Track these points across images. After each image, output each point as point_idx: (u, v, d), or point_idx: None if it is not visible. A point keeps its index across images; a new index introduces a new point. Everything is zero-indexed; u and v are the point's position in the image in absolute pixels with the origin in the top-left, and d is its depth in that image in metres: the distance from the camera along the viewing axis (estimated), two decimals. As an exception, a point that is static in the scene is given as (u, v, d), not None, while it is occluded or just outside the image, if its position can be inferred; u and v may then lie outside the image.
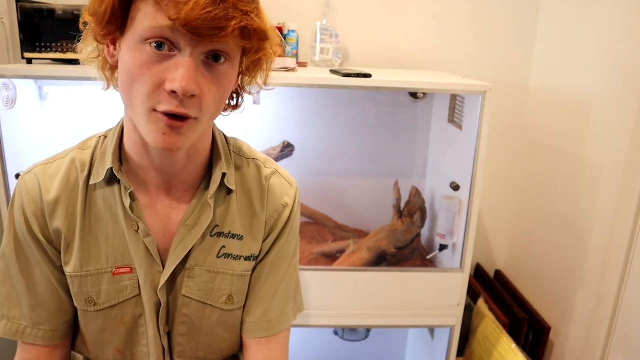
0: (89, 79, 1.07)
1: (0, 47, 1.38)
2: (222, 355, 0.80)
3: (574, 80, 1.47)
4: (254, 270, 0.77)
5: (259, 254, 0.76)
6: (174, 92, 0.56)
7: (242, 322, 0.78)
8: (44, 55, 1.16)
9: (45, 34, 1.14)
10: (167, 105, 0.57)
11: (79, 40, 0.65)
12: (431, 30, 1.63)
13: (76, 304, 0.71)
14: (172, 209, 0.71)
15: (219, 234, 0.73)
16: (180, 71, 0.56)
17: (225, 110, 0.70)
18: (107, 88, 0.68)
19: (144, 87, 0.57)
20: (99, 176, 0.69)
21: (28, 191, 0.68)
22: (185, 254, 0.70)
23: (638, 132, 1.21)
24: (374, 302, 1.32)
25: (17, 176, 1.16)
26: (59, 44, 1.15)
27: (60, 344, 0.73)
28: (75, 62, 1.17)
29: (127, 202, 0.68)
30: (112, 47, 0.63)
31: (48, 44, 1.15)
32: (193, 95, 0.57)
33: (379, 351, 1.84)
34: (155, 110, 0.58)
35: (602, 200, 1.33)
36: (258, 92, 0.73)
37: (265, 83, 0.70)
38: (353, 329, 1.73)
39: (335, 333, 1.75)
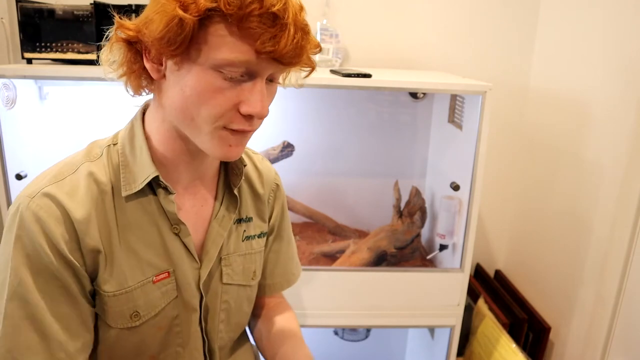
0: (89, 79, 1.08)
1: (0, 47, 1.38)
2: (242, 329, 0.86)
3: (574, 80, 1.47)
4: (267, 244, 0.86)
5: (271, 230, 0.87)
6: (250, 115, 0.60)
7: (269, 285, 0.89)
8: (44, 55, 1.16)
9: (45, 34, 1.14)
10: (241, 125, 0.61)
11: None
12: (431, 30, 1.63)
13: (114, 324, 0.67)
14: (200, 205, 0.74)
15: (239, 220, 0.79)
16: (257, 96, 0.60)
17: None
18: (135, 95, 0.67)
19: (216, 108, 0.60)
20: (131, 187, 0.66)
21: (49, 214, 0.61)
22: (221, 245, 0.74)
23: (638, 132, 1.21)
24: (374, 302, 1.32)
25: (18, 176, 1.16)
26: (59, 44, 1.15)
27: None
28: (75, 62, 1.17)
29: (173, 207, 0.68)
30: (157, 64, 0.62)
31: (48, 44, 1.15)
32: None
33: (379, 351, 1.84)
34: (225, 128, 0.62)
35: (602, 200, 1.33)
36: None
37: (300, 85, 0.76)
38: (353, 329, 1.73)
39: (335, 333, 1.75)
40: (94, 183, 0.65)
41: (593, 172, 1.37)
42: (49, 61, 1.18)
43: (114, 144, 0.69)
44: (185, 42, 0.57)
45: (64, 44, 1.15)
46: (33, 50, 1.15)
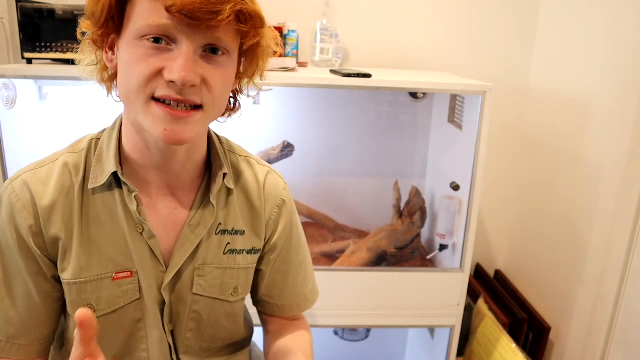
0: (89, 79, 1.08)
1: (0, 47, 1.38)
2: (223, 343, 0.82)
3: (574, 80, 1.47)
4: (269, 263, 0.81)
5: (274, 248, 0.80)
6: (172, 82, 0.57)
7: (279, 306, 0.84)
8: (44, 55, 1.16)
9: (45, 34, 1.14)
10: (165, 90, 0.58)
11: (77, 51, 0.67)
12: (431, 30, 1.63)
13: (71, 312, 0.69)
14: (174, 208, 0.71)
15: (223, 232, 0.74)
16: (179, 62, 0.56)
17: (223, 114, 0.71)
18: (108, 94, 0.69)
19: (140, 76, 0.57)
20: (97, 180, 0.67)
21: (19, 199, 0.65)
22: (190, 252, 0.71)
23: (638, 132, 1.21)
24: (374, 302, 1.32)
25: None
26: (59, 44, 1.15)
27: (37, 358, 0.70)
28: (75, 62, 1.16)
29: (133, 205, 0.67)
30: (110, 53, 0.63)
31: (48, 44, 1.15)
32: (193, 86, 0.58)
33: (379, 351, 1.84)
34: (154, 99, 0.58)
35: (602, 200, 1.33)
36: (257, 94, 0.74)
37: (261, 76, 0.71)
38: (353, 329, 1.73)
39: (335, 333, 1.75)
40: (67, 174, 0.67)
41: (593, 172, 1.37)
42: (49, 61, 1.19)
43: (98, 139, 0.71)
44: (105, 15, 0.58)
45: (64, 44, 1.15)
46: (33, 50, 1.15)
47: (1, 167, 1.11)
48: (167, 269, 0.70)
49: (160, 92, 0.58)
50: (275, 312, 0.85)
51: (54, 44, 1.15)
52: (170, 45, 0.57)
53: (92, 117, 1.41)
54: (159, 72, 0.57)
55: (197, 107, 0.60)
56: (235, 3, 0.57)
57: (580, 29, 1.44)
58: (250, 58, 0.66)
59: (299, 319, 0.88)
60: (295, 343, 0.80)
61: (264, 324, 0.88)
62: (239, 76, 0.68)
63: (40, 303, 0.68)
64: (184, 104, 0.59)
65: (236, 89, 0.72)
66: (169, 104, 0.58)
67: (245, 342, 0.87)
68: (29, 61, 1.17)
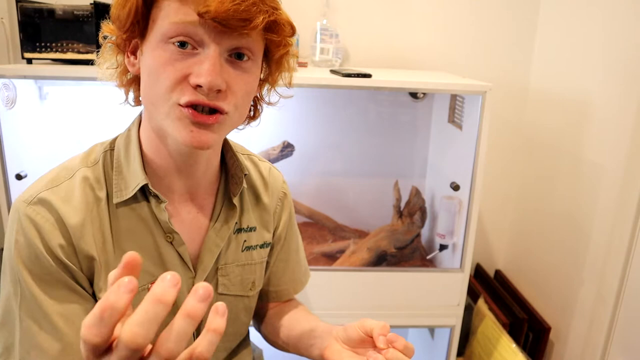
0: (89, 79, 1.08)
1: (0, 47, 1.38)
2: (240, 339, 0.83)
3: (574, 80, 1.47)
4: (274, 253, 0.84)
5: (278, 240, 0.84)
6: (199, 86, 0.56)
7: (276, 292, 0.87)
8: (44, 55, 1.16)
9: (45, 34, 1.14)
10: (191, 96, 0.56)
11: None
12: (431, 30, 1.63)
13: None
14: (196, 213, 0.71)
15: (240, 230, 0.76)
16: (205, 65, 0.56)
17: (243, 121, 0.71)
18: (126, 100, 0.68)
19: (166, 82, 0.57)
20: (122, 194, 0.65)
21: (46, 219, 0.61)
22: (217, 255, 0.72)
23: (638, 132, 1.21)
24: (374, 302, 1.32)
25: (18, 176, 1.16)
26: (59, 44, 1.15)
27: None
28: (75, 62, 1.17)
29: (164, 215, 0.66)
30: (132, 57, 0.63)
31: (48, 44, 1.15)
32: (219, 91, 0.57)
33: (379, 351, 1.84)
34: (179, 105, 0.57)
35: (602, 200, 1.33)
36: (277, 102, 0.73)
37: (289, 84, 0.70)
38: (353, 329, 1.73)
39: (335, 333, 1.75)
40: (89, 189, 0.65)
41: (593, 172, 1.37)
42: (49, 61, 1.18)
43: (111, 150, 0.69)
44: (131, 19, 0.57)
45: (64, 44, 1.15)
46: (33, 50, 1.15)
47: (1, 167, 1.11)
48: (195, 274, 0.71)
49: (185, 99, 0.57)
50: (272, 299, 0.88)
51: (54, 44, 1.15)
52: (197, 50, 0.57)
53: (92, 117, 1.41)
54: (185, 78, 0.57)
55: (221, 112, 0.59)
56: (270, 13, 0.57)
57: (580, 29, 1.44)
58: (277, 66, 0.66)
59: (293, 299, 0.92)
60: (303, 313, 0.84)
61: (258, 311, 0.89)
62: (261, 83, 0.68)
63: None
64: (209, 107, 0.58)
65: (257, 96, 0.71)
66: (195, 108, 0.58)
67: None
68: (29, 61, 1.17)
